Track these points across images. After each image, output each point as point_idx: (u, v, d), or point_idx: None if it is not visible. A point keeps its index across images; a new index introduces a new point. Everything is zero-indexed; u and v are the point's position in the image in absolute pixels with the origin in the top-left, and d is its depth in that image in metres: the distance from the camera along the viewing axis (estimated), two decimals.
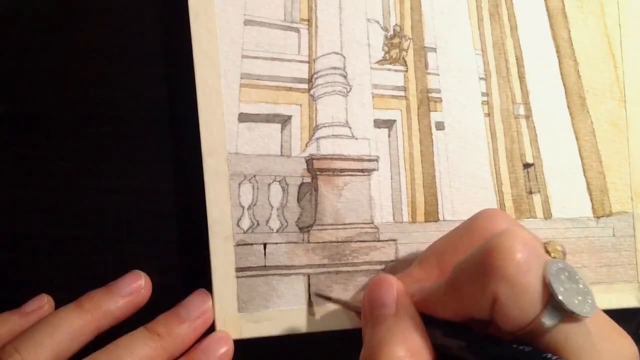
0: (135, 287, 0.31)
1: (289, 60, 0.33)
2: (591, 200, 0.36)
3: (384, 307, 0.26)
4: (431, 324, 0.25)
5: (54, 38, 0.33)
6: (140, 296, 0.31)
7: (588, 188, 0.36)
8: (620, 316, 0.35)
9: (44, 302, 0.31)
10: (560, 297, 0.21)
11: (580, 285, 0.22)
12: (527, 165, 0.35)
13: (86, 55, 0.33)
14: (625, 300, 0.35)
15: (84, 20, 0.33)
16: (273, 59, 0.33)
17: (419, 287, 0.27)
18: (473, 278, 0.23)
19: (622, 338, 0.24)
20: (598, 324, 0.23)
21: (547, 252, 0.24)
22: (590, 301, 0.22)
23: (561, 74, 0.36)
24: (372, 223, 0.33)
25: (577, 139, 0.36)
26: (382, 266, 0.33)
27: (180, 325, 0.30)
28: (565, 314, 0.21)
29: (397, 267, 0.33)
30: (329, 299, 0.32)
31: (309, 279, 0.32)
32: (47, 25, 0.33)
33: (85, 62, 0.33)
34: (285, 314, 0.32)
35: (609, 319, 0.25)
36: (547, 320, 0.21)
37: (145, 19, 0.34)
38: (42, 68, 0.33)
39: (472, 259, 0.23)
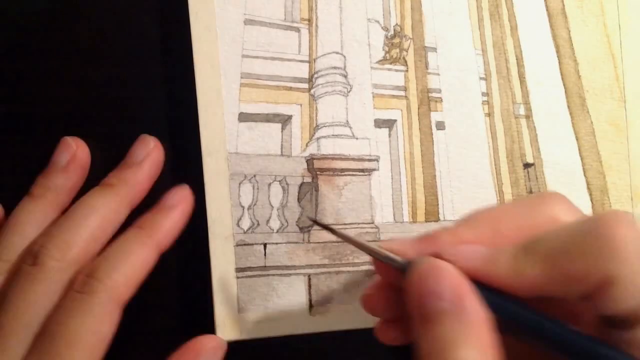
0: (148, 149, 0.32)
1: (289, 60, 0.33)
2: (591, 200, 0.36)
3: (439, 299, 0.22)
4: (505, 306, 0.22)
5: (54, 38, 0.33)
6: (156, 155, 0.32)
7: (588, 188, 0.36)
8: None
9: (73, 148, 0.31)
10: None
11: None
12: (527, 165, 0.35)
13: (86, 56, 0.33)
14: None
15: (84, 20, 0.33)
16: (273, 58, 0.33)
17: (477, 250, 0.24)
18: (581, 252, 0.21)
19: None
20: None
21: None
22: None
23: (561, 74, 0.36)
24: (372, 223, 0.33)
25: (577, 139, 0.36)
26: None
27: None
28: None
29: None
30: (326, 227, 0.27)
31: (309, 279, 0.32)
32: (47, 25, 0.33)
33: (85, 62, 0.33)
34: (285, 314, 0.32)
35: None
36: None
37: (145, 19, 0.34)
38: (42, 68, 0.33)
39: (583, 232, 0.21)
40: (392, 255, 0.24)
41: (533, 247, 0.22)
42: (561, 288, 0.22)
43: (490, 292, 0.22)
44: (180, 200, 0.31)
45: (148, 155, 0.32)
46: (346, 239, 0.26)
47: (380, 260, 0.25)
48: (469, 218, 0.26)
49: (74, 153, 0.31)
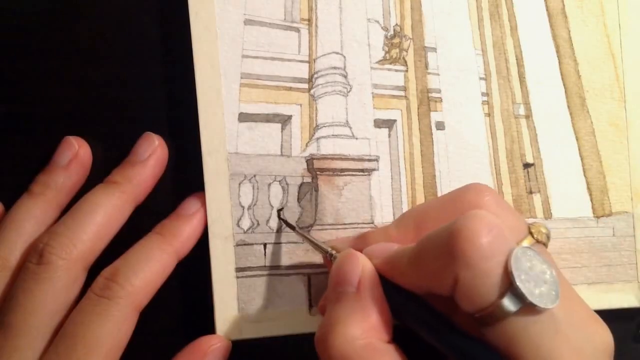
0: (153, 147, 0.32)
1: (289, 60, 0.33)
2: (591, 200, 0.36)
3: (346, 284, 0.25)
4: (398, 299, 0.25)
5: (54, 38, 0.33)
6: (161, 153, 0.32)
7: (588, 188, 0.36)
8: (620, 316, 0.36)
9: (75, 148, 0.31)
10: (520, 286, 0.21)
11: (547, 276, 0.22)
12: (527, 165, 0.35)
13: (86, 56, 0.33)
14: (626, 300, 0.35)
15: (84, 20, 0.33)
16: (273, 58, 0.33)
17: (388, 247, 0.26)
18: (436, 256, 0.23)
19: (597, 326, 0.24)
20: (572, 311, 0.23)
21: (531, 233, 0.24)
22: (554, 292, 0.22)
23: (561, 74, 0.36)
24: (372, 223, 0.33)
25: (577, 139, 0.36)
26: None
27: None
28: (525, 303, 0.21)
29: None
30: (293, 227, 0.31)
31: (309, 279, 0.32)
32: (47, 25, 0.33)
33: (85, 63, 0.33)
34: (285, 314, 0.32)
35: (587, 306, 0.25)
36: (505, 307, 0.21)
37: (145, 19, 0.34)
38: (42, 68, 0.33)
39: (438, 237, 0.23)
40: (330, 249, 0.28)
41: (414, 247, 0.24)
42: (429, 286, 0.24)
43: (391, 284, 0.25)
44: (199, 207, 0.32)
45: (153, 153, 0.32)
46: (304, 237, 0.31)
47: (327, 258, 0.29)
48: (400, 217, 0.29)
49: (76, 152, 0.31)
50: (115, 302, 0.28)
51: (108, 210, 0.30)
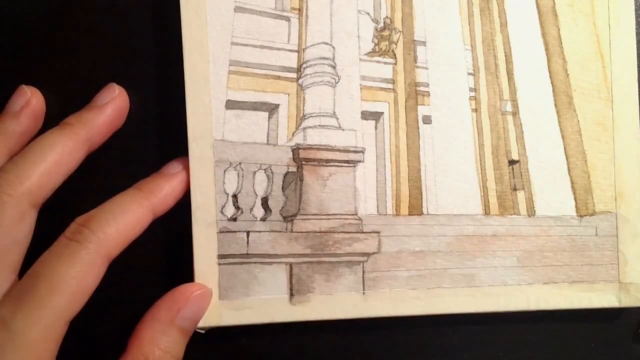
0: (113, 96, 0.32)
1: (279, 49, 0.33)
2: (575, 199, 0.36)
3: None
4: None
5: (54, 38, 0.33)
6: (120, 101, 0.32)
7: (572, 187, 0.36)
8: (620, 315, 0.36)
9: (27, 95, 0.31)
10: None
11: None
12: (512, 162, 0.35)
13: (83, 52, 0.33)
14: (606, 299, 0.35)
15: (84, 19, 0.33)
16: (262, 46, 0.33)
17: None
18: None
19: None
20: None
21: None
22: None
23: (549, 72, 0.36)
24: (356, 214, 0.33)
25: (563, 137, 0.36)
26: (365, 258, 0.33)
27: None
28: None
29: None
30: None
31: (291, 268, 0.33)
32: (47, 25, 0.33)
33: (83, 60, 0.33)
34: (266, 302, 0.32)
35: None
36: None
37: (137, 4, 0.34)
38: (43, 68, 0.33)
39: None
40: None
41: None
42: None
43: None
44: (182, 169, 0.32)
45: (111, 101, 0.32)
46: None
47: None
48: None
49: (28, 100, 0.31)
50: (84, 247, 0.28)
51: (58, 150, 0.29)
